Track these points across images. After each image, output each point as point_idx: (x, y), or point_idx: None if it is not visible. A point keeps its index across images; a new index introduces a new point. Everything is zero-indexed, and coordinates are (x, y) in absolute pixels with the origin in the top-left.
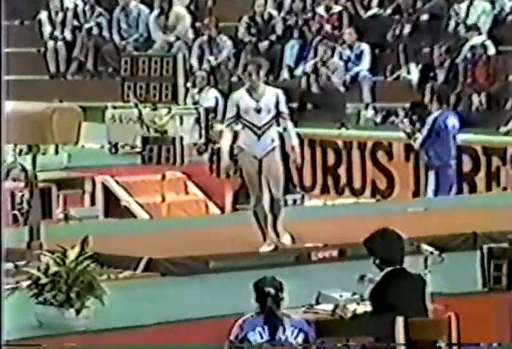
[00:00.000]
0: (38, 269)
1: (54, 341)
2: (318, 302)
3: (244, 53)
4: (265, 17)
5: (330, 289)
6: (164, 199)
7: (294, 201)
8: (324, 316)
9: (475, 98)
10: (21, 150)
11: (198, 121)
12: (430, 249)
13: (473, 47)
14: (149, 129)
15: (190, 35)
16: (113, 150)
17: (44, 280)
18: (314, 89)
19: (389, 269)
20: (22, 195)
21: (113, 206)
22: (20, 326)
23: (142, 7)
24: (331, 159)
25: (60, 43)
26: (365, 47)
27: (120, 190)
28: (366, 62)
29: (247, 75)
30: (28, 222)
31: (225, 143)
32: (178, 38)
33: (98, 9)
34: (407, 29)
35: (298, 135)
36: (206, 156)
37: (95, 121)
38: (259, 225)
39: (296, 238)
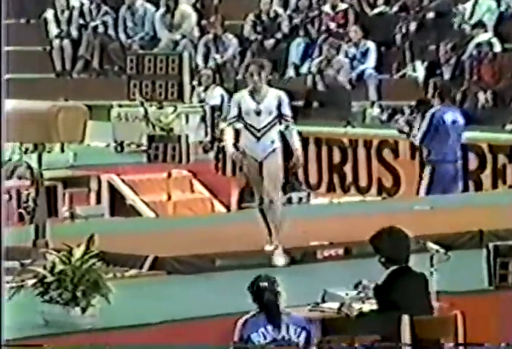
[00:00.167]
0: (44, 267)
1: (60, 339)
2: (323, 301)
3: (249, 51)
4: (271, 15)
5: (336, 287)
6: (169, 197)
7: (300, 199)
8: (330, 314)
9: (481, 96)
10: (27, 149)
11: (203, 119)
12: (436, 247)
13: (479, 45)
14: (155, 128)
15: (196, 33)
16: (119, 148)
17: (49, 278)
18: (320, 87)
19: (394, 267)
20: (28, 194)
21: (118, 205)
22: (25, 324)
23: (148, 6)
24: (337, 157)
25: (65, 42)
26: (371, 45)
27: (126, 189)
28: (371, 60)
29: (249, 76)
30: (34, 220)
31: (227, 138)
32: (184, 37)
33: (104, 8)
34: (413, 27)
35: (301, 134)
36: (211, 154)
37: (101, 120)
38: (266, 223)
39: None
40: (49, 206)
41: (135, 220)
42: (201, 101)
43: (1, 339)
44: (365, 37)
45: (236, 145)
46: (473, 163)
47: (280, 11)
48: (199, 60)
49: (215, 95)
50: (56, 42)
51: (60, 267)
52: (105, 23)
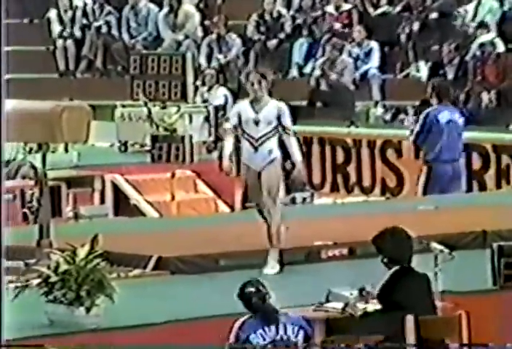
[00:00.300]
0: (48, 267)
1: (65, 339)
2: (328, 300)
3: (252, 51)
4: (274, 15)
5: (340, 287)
6: (173, 197)
7: (304, 199)
8: (334, 314)
9: (484, 96)
10: (31, 149)
11: (207, 119)
12: (440, 247)
13: (482, 45)
14: (158, 128)
15: (199, 33)
16: (123, 148)
17: (53, 278)
18: (323, 87)
19: (397, 268)
20: (32, 194)
21: (122, 205)
22: (30, 324)
23: (152, 6)
24: (340, 157)
25: (69, 42)
26: (374, 45)
27: (129, 189)
28: (375, 60)
29: (249, 85)
30: (38, 220)
31: (225, 148)
32: (187, 37)
33: (107, 8)
34: (416, 27)
35: (300, 137)
36: (215, 154)
37: (105, 120)
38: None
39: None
40: (53, 206)
41: (139, 220)
42: (205, 101)
43: (1, 339)
44: (368, 37)
45: (231, 156)
46: (476, 163)
47: (283, 11)
48: (202, 60)
49: (219, 95)
50: (59, 42)
51: (64, 267)
52: (108, 23)
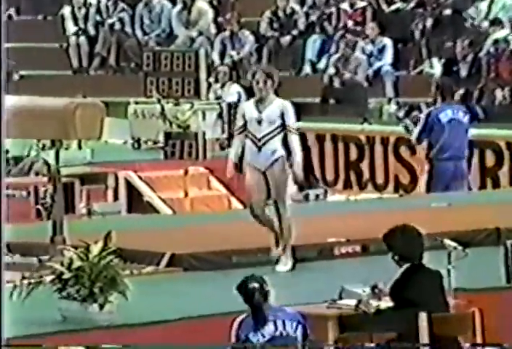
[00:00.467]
0: (62, 264)
1: (78, 336)
2: (341, 297)
3: (266, 48)
4: (288, 11)
5: (353, 284)
6: (186, 194)
7: (317, 196)
8: (347, 311)
9: (498, 93)
10: (44, 145)
11: (220, 116)
12: (454, 244)
13: (496, 41)
14: (171, 125)
15: (213, 30)
16: (136, 145)
17: (67, 275)
18: (336, 83)
19: (408, 265)
20: (46, 190)
21: (135, 202)
22: (43, 320)
23: (165, 2)
24: (353, 154)
25: (82, 39)
26: (387, 42)
27: (143, 186)
28: (388, 56)
29: (255, 84)
30: (52, 216)
31: (231, 149)
32: (200, 34)
33: (121, 5)
34: (430, 23)
35: (304, 136)
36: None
37: (118, 117)
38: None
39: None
40: (67, 202)
41: (152, 217)
42: (218, 98)
43: (1, 338)
44: (382, 34)
45: (237, 158)
46: (490, 160)
47: (296, 8)
48: (216, 57)
49: (232, 92)
50: (73, 39)
51: (77, 263)
52: (121, 20)
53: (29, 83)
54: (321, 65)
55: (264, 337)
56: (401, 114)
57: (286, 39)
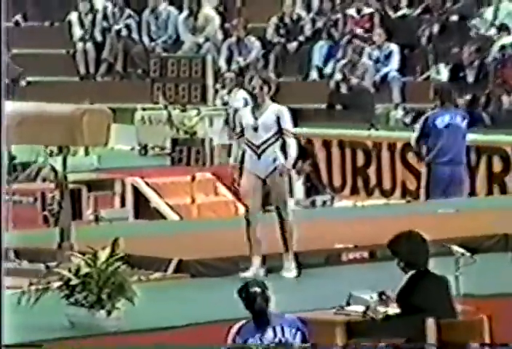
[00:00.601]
0: (69, 270)
1: (86, 342)
2: (348, 304)
3: (272, 54)
4: (294, 17)
5: (361, 291)
6: (193, 200)
7: (324, 202)
8: (355, 318)
9: (505, 98)
10: (52, 151)
11: (227, 122)
12: (462, 250)
13: (503, 47)
14: (178, 131)
15: (219, 36)
16: (143, 151)
17: (74, 281)
18: (343, 89)
19: (413, 272)
20: (53, 196)
21: (143, 208)
22: (51, 326)
23: (172, 9)
24: (360, 160)
25: (89, 45)
26: (394, 47)
27: (150, 192)
28: (395, 62)
29: (251, 90)
30: (59, 223)
31: (232, 155)
32: (207, 40)
33: (127, 11)
34: (436, 29)
35: (300, 141)
36: None
37: (125, 123)
38: (250, 244)
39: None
40: (74, 208)
41: (159, 223)
42: (225, 104)
43: (1, 339)
44: (388, 39)
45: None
46: (497, 166)
47: (303, 14)
48: (222, 63)
49: (239, 98)
50: (79, 45)
51: (85, 270)
52: (128, 26)
53: (36, 89)
54: (328, 70)
55: (262, 343)
56: (407, 120)
57: (292, 45)
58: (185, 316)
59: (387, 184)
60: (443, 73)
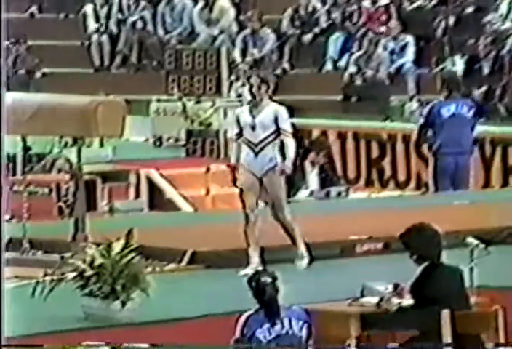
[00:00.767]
0: (84, 261)
1: (99, 333)
2: (362, 295)
3: (287, 46)
4: (309, 9)
5: (375, 282)
6: (208, 192)
7: (339, 194)
8: (369, 309)
9: None
10: (66, 143)
11: None
12: (476, 241)
13: None
14: (193, 122)
15: (234, 28)
16: (158, 143)
17: (89, 272)
18: (358, 81)
19: (426, 264)
20: (68, 188)
21: (157, 199)
22: (65, 317)
23: (187, 1)
24: (375, 152)
25: (104, 37)
26: (409, 39)
27: (164, 183)
28: (410, 54)
29: (249, 88)
30: (73, 214)
31: (232, 156)
32: (222, 32)
33: (142, 3)
34: (452, 20)
35: (297, 139)
36: None
37: (140, 115)
38: (247, 244)
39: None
40: (88, 200)
41: (174, 214)
42: (239, 96)
43: (1, 338)
44: (403, 31)
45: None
46: None
47: (318, 5)
48: (237, 55)
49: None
50: (94, 37)
51: (99, 261)
52: (143, 18)
53: (51, 80)
54: (343, 62)
55: (270, 334)
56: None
57: (307, 37)
58: (200, 307)
59: (401, 175)
60: (458, 64)
